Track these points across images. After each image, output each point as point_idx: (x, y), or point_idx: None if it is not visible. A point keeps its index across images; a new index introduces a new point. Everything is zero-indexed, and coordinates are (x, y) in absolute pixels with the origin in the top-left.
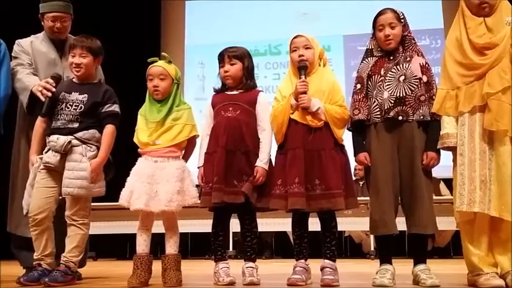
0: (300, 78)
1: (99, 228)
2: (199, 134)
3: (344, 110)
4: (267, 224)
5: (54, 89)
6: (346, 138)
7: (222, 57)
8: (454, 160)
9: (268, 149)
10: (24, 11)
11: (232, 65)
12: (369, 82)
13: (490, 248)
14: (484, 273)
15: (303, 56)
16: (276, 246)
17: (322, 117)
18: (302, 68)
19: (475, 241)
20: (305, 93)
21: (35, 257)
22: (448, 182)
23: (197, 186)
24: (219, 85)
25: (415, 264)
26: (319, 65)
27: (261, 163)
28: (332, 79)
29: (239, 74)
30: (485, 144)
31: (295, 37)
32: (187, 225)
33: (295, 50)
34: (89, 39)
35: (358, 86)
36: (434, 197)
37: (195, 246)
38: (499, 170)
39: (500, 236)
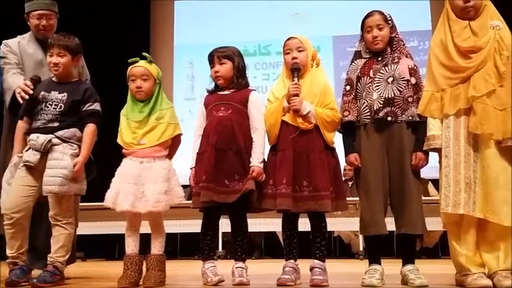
0: (293, 80)
1: (87, 228)
2: (183, 133)
3: (335, 113)
4: (256, 224)
5: (31, 91)
6: (337, 140)
7: (211, 58)
8: (440, 161)
9: (261, 148)
10: (9, 12)
11: (222, 65)
12: (358, 84)
13: (478, 248)
14: (471, 273)
15: (296, 58)
16: (265, 247)
17: (313, 120)
18: (295, 71)
19: (462, 241)
20: (297, 95)
21: (9, 255)
22: (437, 183)
23: (186, 186)
24: (212, 86)
25: (404, 264)
26: (312, 66)
27: (256, 162)
28: (324, 81)
29: (230, 73)
30: (470, 146)
31: (288, 39)
32: (177, 226)
33: (289, 53)
34: (66, 37)
35: (348, 87)
36: (423, 198)
37: (184, 247)
38: (484, 172)
39: (487, 236)
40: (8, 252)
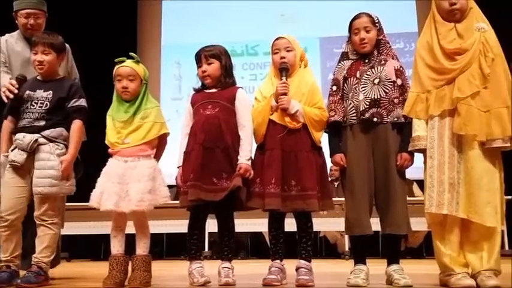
0: (281, 79)
1: (72, 228)
2: (169, 132)
3: (323, 113)
4: (242, 224)
5: (16, 91)
6: (323, 140)
7: (199, 57)
8: (425, 162)
9: (249, 146)
10: None
11: (209, 64)
12: (345, 84)
13: (461, 248)
14: (455, 273)
15: (284, 58)
16: (251, 247)
17: (301, 119)
18: (283, 70)
19: (446, 242)
20: (285, 94)
21: (2, 258)
22: (421, 184)
23: (173, 186)
24: (198, 85)
25: (389, 264)
26: (300, 66)
27: (244, 159)
28: (312, 81)
29: (217, 73)
30: (454, 147)
31: (276, 39)
32: (163, 226)
33: (277, 52)
34: (50, 35)
35: (334, 87)
36: (408, 198)
37: (170, 247)
38: (468, 173)
39: (471, 237)
40: (2, 255)
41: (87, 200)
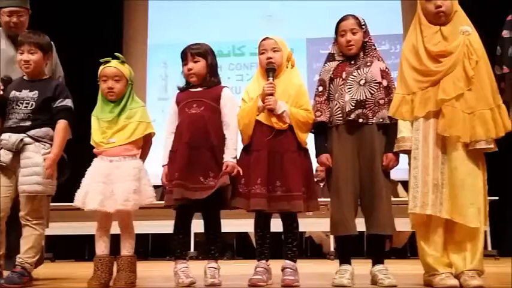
0: (267, 80)
1: (57, 229)
2: (155, 132)
3: (309, 114)
4: (228, 225)
5: (1, 92)
6: (309, 141)
7: (185, 55)
8: (409, 163)
9: (234, 145)
10: None
11: (195, 62)
12: (331, 85)
13: (445, 248)
14: (439, 273)
15: (271, 58)
16: (237, 247)
17: (287, 120)
18: (270, 70)
19: (430, 242)
20: (272, 95)
21: None
22: (406, 184)
23: (158, 186)
24: (183, 83)
25: (374, 264)
26: (287, 67)
27: (229, 158)
28: (299, 82)
29: (203, 71)
30: (439, 149)
31: (263, 39)
32: (148, 226)
33: (264, 53)
34: (36, 34)
35: (320, 88)
36: (392, 199)
37: (155, 247)
38: (451, 174)
39: (454, 237)
40: None
41: (72, 200)
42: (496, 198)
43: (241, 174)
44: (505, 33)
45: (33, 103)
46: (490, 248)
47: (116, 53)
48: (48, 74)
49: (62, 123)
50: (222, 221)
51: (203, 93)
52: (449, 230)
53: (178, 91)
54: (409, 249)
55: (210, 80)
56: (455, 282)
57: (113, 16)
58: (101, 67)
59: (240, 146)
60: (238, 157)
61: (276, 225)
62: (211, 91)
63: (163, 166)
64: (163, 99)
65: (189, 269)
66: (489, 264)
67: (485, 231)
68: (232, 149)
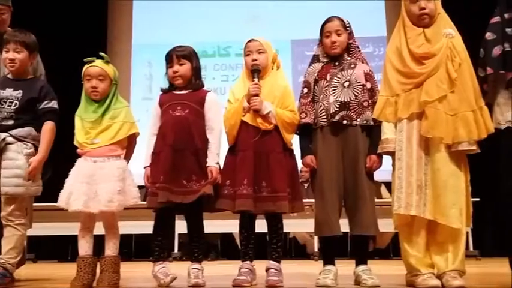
0: (252, 81)
1: (39, 229)
2: (140, 132)
3: (294, 115)
4: (213, 225)
5: None
6: (295, 142)
7: (170, 57)
8: (393, 164)
9: (217, 149)
10: None
11: (181, 65)
12: (316, 87)
13: (428, 249)
14: (421, 273)
15: (256, 60)
16: (222, 248)
17: (273, 120)
18: (255, 71)
19: (413, 243)
20: (257, 95)
21: None
22: (389, 185)
23: (142, 187)
24: (166, 85)
25: (357, 264)
26: (273, 69)
27: (213, 163)
28: (284, 84)
29: (189, 73)
30: (422, 150)
31: (249, 41)
32: (131, 227)
33: (249, 54)
34: (22, 33)
35: (305, 90)
36: (376, 200)
37: (139, 248)
38: (434, 175)
39: (437, 238)
40: None
41: (55, 201)
42: (478, 199)
43: (225, 177)
44: (489, 35)
45: (17, 102)
46: (471, 249)
47: (101, 53)
48: (30, 71)
49: (49, 125)
50: (206, 222)
51: (188, 96)
52: (431, 231)
53: (161, 93)
54: (392, 250)
55: (195, 82)
56: (437, 282)
57: (97, 15)
58: (85, 66)
59: (224, 148)
60: (221, 161)
61: (260, 225)
62: (196, 94)
63: (145, 168)
64: (147, 99)
65: (167, 268)
66: (471, 265)
67: (467, 232)
68: (215, 154)
